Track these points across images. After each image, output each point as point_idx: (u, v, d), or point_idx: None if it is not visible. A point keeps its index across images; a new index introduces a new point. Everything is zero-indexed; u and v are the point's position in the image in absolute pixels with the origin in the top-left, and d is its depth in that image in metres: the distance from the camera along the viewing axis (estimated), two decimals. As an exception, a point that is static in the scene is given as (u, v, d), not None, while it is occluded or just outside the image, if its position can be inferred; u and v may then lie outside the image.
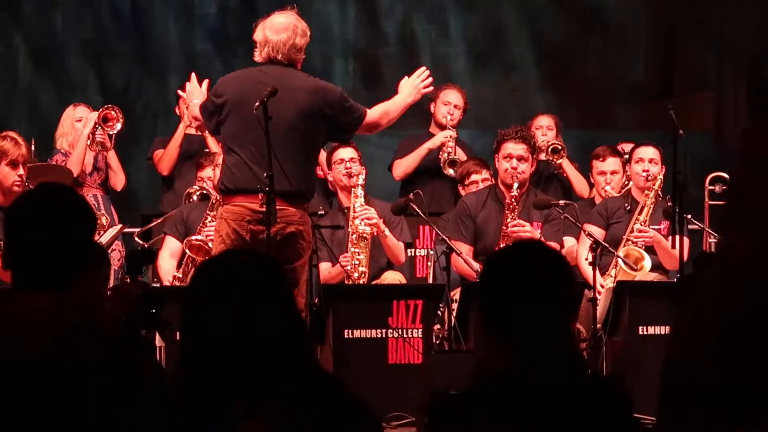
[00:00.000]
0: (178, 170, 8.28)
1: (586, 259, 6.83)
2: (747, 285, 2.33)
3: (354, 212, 7.16)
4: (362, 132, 6.14)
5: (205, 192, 7.46)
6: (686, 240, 6.62)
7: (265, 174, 5.42)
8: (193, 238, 7.05)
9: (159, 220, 7.68)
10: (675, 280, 6.86)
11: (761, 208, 2.32)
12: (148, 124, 9.92)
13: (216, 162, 7.02)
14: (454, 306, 6.73)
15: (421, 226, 7.89)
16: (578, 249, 7.14)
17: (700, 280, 2.40)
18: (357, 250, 7.12)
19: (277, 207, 5.49)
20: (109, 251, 7.48)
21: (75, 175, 7.72)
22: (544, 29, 10.65)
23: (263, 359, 2.44)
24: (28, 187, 6.47)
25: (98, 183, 8.10)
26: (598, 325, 6.54)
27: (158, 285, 7.11)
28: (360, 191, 7.22)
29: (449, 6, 10.63)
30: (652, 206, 7.17)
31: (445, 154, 8.18)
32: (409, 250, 7.62)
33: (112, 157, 8.17)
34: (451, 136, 8.21)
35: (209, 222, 6.94)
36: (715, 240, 7.64)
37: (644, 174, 7.22)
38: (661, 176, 7.19)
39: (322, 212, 7.34)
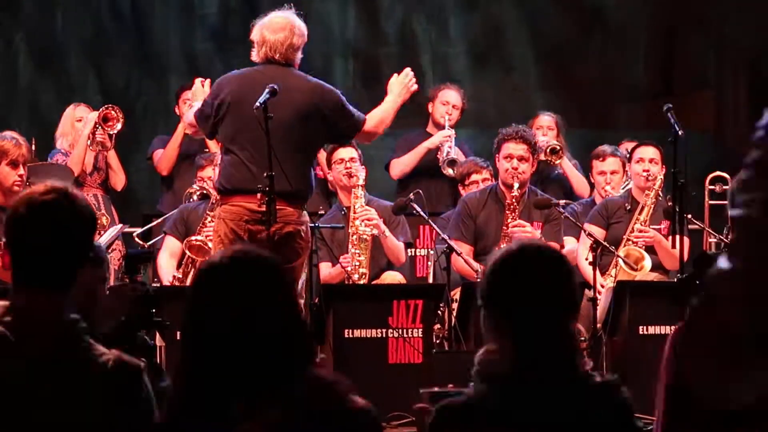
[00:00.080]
0: (177, 170, 8.28)
1: (587, 259, 6.83)
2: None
3: (354, 213, 7.16)
4: (361, 140, 6.14)
5: (205, 192, 7.46)
6: (686, 240, 6.62)
7: (265, 174, 5.42)
8: (193, 238, 7.05)
9: (159, 220, 7.68)
10: (675, 280, 6.85)
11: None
12: (148, 124, 9.91)
13: (216, 162, 7.01)
14: (455, 306, 6.73)
15: (421, 226, 7.89)
16: (578, 249, 7.14)
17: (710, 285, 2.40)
18: (357, 251, 7.12)
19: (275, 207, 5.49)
20: (110, 251, 7.48)
21: (75, 175, 7.72)
22: (544, 29, 10.64)
23: (263, 359, 2.44)
24: (29, 187, 6.45)
25: (98, 183, 8.10)
26: (598, 325, 6.54)
27: (158, 285, 7.11)
28: (360, 192, 7.22)
29: (449, 6, 10.63)
30: (652, 206, 7.17)
31: (444, 154, 8.17)
32: (409, 250, 7.62)
33: (113, 156, 8.17)
34: (449, 136, 8.21)
35: (209, 222, 6.94)
36: (716, 240, 7.64)
37: (645, 174, 7.22)
38: (662, 176, 7.20)
39: (322, 212, 7.34)
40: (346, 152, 7.36)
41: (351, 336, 6.38)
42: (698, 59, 10.86)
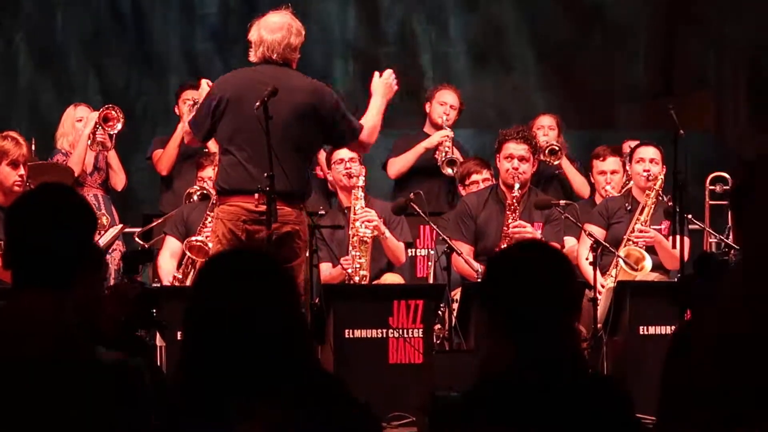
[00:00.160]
0: (177, 170, 8.28)
1: (587, 259, 6.83)
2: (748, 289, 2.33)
3: (354, 214, 7.16)
4: (356, 150, 6.13)
5: (205, 192, 7.46)
6: (687, 240, 6.62)
7: (265, 174, 5.42)
8: (193, 238, 7.05)
9: (159, 220, 7.67)
10: (676, 280, 6.86)
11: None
12: (148, 124, 9.91)
13: (216, 162, 7.01)
14: (455, 306, 6.73)
15: (421, 226, 7.89)
16: (579, 249, 7.14)
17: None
18: (358, 253, 7.12)
19: (273, 207, 5.50)
20: (110, 251, 7.48)
21: (76, 175, 7.72)
22: (544, 29, 10.64)
23: (263, 359, 2.44)
24: (29, 186, 6.47)
25: (99, 183, 8.10)
26: (599, 325, 6.54)
27: (158, 285, 7.11)
28: (360, 193, 7.22)
29: (449, 6, 10.63)
30: (652, 206, 7.17)
31: (443, 154, 8.17)
32: (409, 250, 7.62)
33: (113, 156, 8.17)
34: (448, 136, 8.21)
35: (209, 222, 6.94)
36: (716, 240, 7.64)
37: (645, 174, 7.22)
38: (662, 176, 7.19)
39: (322, 212, 7.34)
40: (345, 152, 7.35)
41: (351, 336, 6.38)
42: (698, 59, 10.87)
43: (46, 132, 8.49)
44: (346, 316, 6.39)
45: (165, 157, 8.24)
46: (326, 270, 7.15)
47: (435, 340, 6.65)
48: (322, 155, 7.64)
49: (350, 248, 7.14)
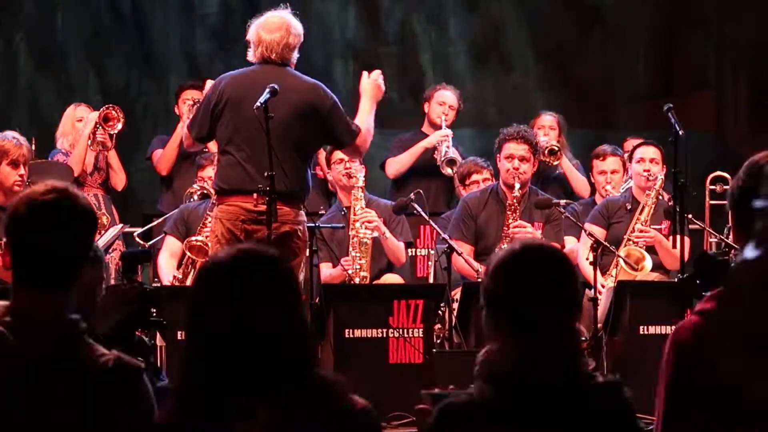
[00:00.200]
0: (177, 170, 8.27)
1: (587, 259, 6.82)
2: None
3: (354, 215, 7.15)
4: (352, 155, 6.12)
5: (205, 192, 7.46)
6: (687, 240, 6.62)
7: (266, 174, 5.43)
8: (193, 239, 7.04)
9: (160, 220, 7.67)
10: (676, 280, 6.85)
11: None
12: (148, 124, 9.90)
13: (216, 161, 7.01)
14: (455, 306, 6.73)
15: (421, 226, 7.88)
16: (579, 249, 7.14)
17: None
18: (358, 255, 7.12)
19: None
20: (110, 251, 7.48)
21: (76, 175, 7.71)
22: (544, 29, 10.64)
23: (264, 359, 2.44)
24: (29, 186, 6.46)
25: (99, 183, 8.10)
26: (599, 325, 6.54)
27: (158, 285, 7.10)
28: (360, 194, 7.21)
29: (449, 6, 10.62)
30: (653, 206, 7.16)
31: (442, 154, 8.17)
32: (409, 250, 7.62)
33: (113, 156, 8.17)
34: (447, 136, 8.20)
35: (209, 222, 6.94)
36: (716, 240, 7.64)
37: (645, 174, 7.22)
38: (662, 176, 7.19)
39: (323, 212, 7.34)
40: (346, 152, 7.35)
41: (351, 336, 6.38)
42: (698, 59, 10.86)
43: (46, 132, 8.48)
44: (346, 316, 6.39)
45: (164, 157, 8.24)
46: (326, 270, 7.15)
47: (435, 340, 6.65)
48: (322, 155, 7.64)
49: (350, 249, 7.14)
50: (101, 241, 7.02)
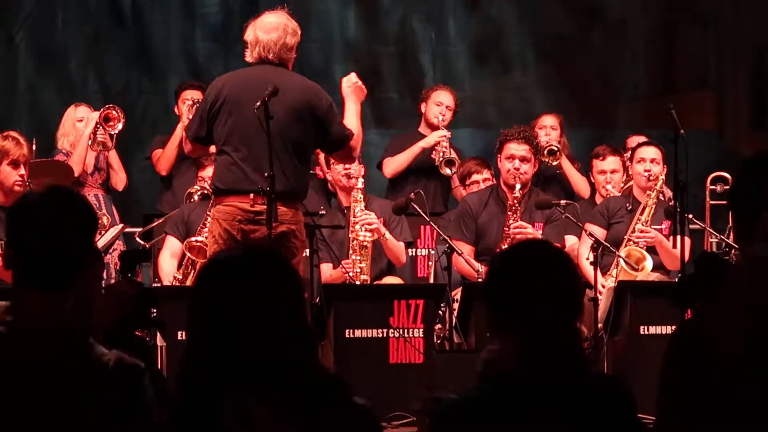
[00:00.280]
0: (177, 170, 8.27)
1: (588, 259, 6.82)
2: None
3: (354, 217, 7.15)
4: (344, 160, 6.12)
5: (205, 192, 7.46)
6: (687, 240, 6.62)
7: (265, 174, 5.43)
8: (193, 239, 7.04)
9: (160, 220, 7.67)
10: (676, 280, 6.85)
11: None
12: (148, 124, 9.90)
13: (216, 161, 7.01)
14: (455, 306, 6.73)
15: (422, 226, 7.88)
16: (579, 249, 7.14)
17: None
18: (358, 257, 7.11)
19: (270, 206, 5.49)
20: (111, 251, 7.48)
21: (76, 175, 7.71)
22: (544, 29, 10.63)
23: (264, 358, 2.44)
24: (30, 186, 6.47)
25: (99, 183, 8.10)
26: (600, 325, 6.54)
27: (158, 285, 7.10)
28: (360, 195, 7.21)
29: (449, 6, 10.62)
30: (653, 206, 7.16)
31: (440, 154, 8.16)
32: (410, 250, 7.62)
33: (114, 156, 8.17)
34: (445, 136, 8.20)
35: (209, 222, 6.94)
36: (717, 240, 7.64)
37: (646, 174, 7.22)
38: (663, 176, 7.19)
39: (323, 212, 7.33)
40: (345, 152, 7.34)
41: (352, 336, 6.38)
42: (699, 58, 10.86)
43: (46, 132, 8.49)
44: (347, 316, 6.39)
45: (164, 157, 8.24)
46: (327, 271, 7.15)
47: (435, 340, 6.65)
48: (321, 155, 7.64)
49: (350, 252, 7.13)
50: (101, 241, 7.02)
